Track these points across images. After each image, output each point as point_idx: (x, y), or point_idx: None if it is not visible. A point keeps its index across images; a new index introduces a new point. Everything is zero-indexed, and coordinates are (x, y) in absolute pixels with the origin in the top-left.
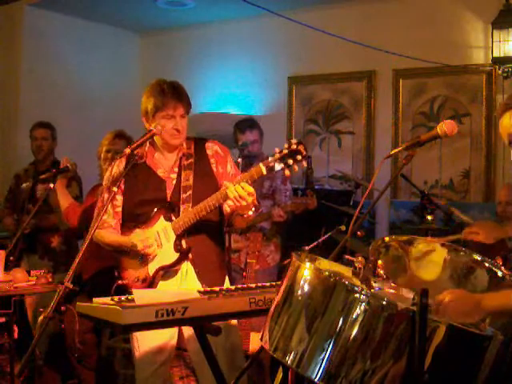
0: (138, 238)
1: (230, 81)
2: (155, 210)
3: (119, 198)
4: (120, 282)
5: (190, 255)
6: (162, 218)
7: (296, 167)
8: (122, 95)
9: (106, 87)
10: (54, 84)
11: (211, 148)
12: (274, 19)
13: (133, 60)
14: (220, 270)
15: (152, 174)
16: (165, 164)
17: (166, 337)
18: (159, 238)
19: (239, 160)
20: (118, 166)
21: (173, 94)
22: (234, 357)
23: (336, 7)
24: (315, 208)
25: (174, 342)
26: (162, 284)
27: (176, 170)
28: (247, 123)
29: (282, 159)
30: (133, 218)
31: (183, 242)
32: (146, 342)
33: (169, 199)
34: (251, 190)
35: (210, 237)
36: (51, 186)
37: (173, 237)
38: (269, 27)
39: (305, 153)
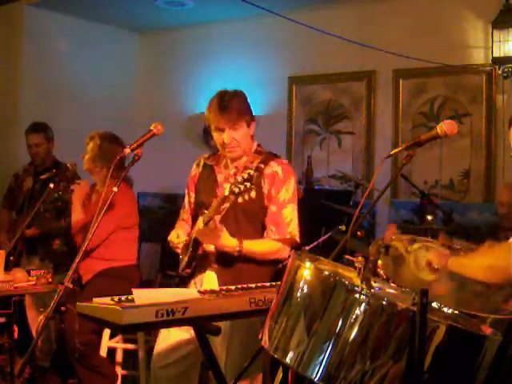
0: (173, 235)
1: (230, 81)
2: (199, 213)
3: (192, 196)
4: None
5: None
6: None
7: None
8: (121, 95)
9: (106, 87)
10: (54, 83)
11: (271, 167)
12: (274, 19)
13: (132, 60)
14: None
15: (213, 179)
16: (224, 172)
17: (185, 336)
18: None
19: None
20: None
21: (217, 105)
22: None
23: (336, 7)
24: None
25: (192, 344)
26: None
27: (231, 180)
28: None
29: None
30: (195, 216)
31: (190, 250)
32: (164, 337)
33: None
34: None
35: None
36: (51, 186)
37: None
38: (268, 27)
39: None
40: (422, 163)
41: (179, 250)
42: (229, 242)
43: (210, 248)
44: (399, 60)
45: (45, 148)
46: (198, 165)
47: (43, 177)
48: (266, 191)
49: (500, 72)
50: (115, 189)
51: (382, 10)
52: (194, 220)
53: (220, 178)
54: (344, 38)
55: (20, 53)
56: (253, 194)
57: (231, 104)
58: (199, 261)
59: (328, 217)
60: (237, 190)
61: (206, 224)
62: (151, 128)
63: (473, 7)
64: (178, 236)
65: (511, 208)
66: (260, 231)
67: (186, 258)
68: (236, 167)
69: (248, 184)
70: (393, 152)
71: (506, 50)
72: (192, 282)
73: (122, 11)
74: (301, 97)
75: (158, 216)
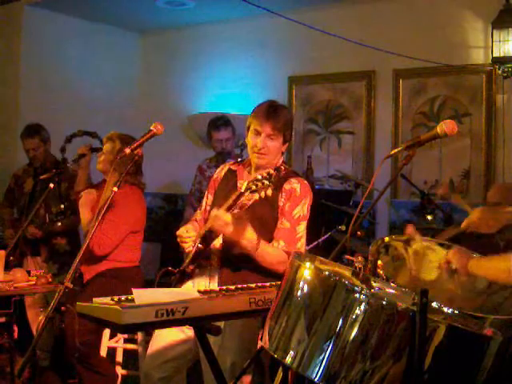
0: (183, 230)
1: (230, 81)
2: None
3: (210, 198)
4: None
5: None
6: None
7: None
8: (121, 95)
9: (106, 87)
10: (54, 84)
11: (291, 183)
12: (274, 19)
13: (132, 60)
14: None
15: (233, 182)
16: (246, 178)
17: (180, 336)
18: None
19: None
20: None
21: (266, 110)
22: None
23: (336, 7)
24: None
25: (188, 344)
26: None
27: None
28: (221, 121)
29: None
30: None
31: (198, 244)
32: (159, 336)
33: None
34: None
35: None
36: (51, 185)
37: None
38: (268, 27)
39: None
40: (422, 163)
41: (185, 245)
42: (250, 233)
43: (217, 246)
44: (399, 60)
45: (42, 150)
46: (222, 169)
47: (43, 177)
48: (281, 204)
49: (500, 72)
50: (115, 189)
51: (382, 10)
52: (206, 221)
53: (240, 183)
54: (344, 38)
55: (20, 53)
56: (269, 191)
57: (280, 114)
58: (202, 259)
59: (328, 217)
60: (254, 186)
61: (228, 210)
62: (151, 128)
63: (473, 7)
64: (187, 231)
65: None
66: (269, 240)
67: (191, 254)
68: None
69: (266, 182)
70: (393, 152)
71: (506, 49)
72: (189, 282)
73: (123, 11)
74: (301, 97)
75: (157, 216)
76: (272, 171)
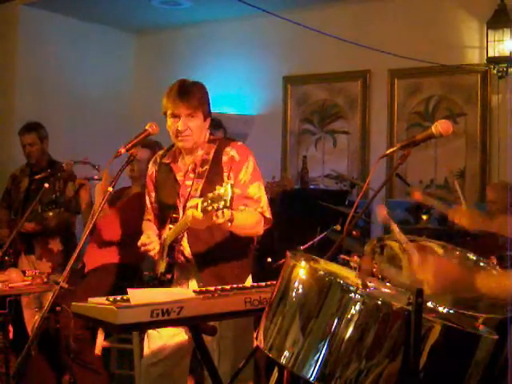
0: (144, 237)
1: (225, 81)
2: (169, 218)
3: (153, 195)
4: (147, 272)
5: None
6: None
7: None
8: (117, 95)
9: (102, 87)
10: (50, 84)
11: (228, 154)
12: (270, 19)
13: (128, 59)
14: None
15: (171, 178)
16: (183, 168)
17: (176, 330)
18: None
19: None
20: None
21: (177, 91)
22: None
23: (331, 7)
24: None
25: (186, 336)
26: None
27: (191, 175)
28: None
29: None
30: (160, 217)
31: (166, 252)
32: (155, 333)
33: (179, 206)
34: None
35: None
36: (46, 185)
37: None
38: (264, 27)
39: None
40: (417, 163)
41: (152, 253)
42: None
43: (188, 253)
44: (394, 60)
45: (38, 147)
46: (154, 162)
47: (38, 177)
48: (226, 177)
49: (495, 72)
50: (110, 189)
51: (377, 10)
52: (160, 220)
53: (179, 176)
54: (339, 38)
55: (16, 53)
56: (227, 214)
57: (192, 91)
58: (180, 268)
59: (323, 216)
60: (210, 208)
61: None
62: (147, 128)
63: (468, 7)
64: (149, 237)
65: (495, 206)
66: (231, 235)
67: (163, 264)
68: (193, 161)
69: (222, 203)
70: (388, 152)
71: (501, 49)
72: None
73: (118, 11)
74: (296, 96)
75: None
76: (222, 190)
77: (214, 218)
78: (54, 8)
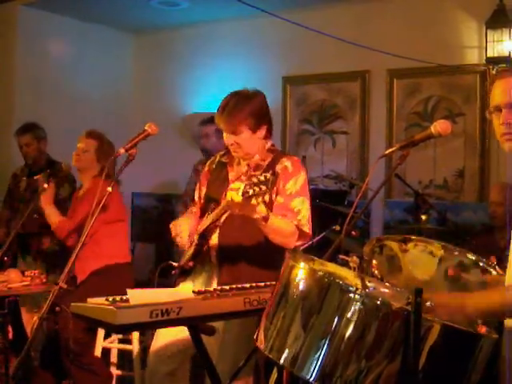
0: (177, 224)
1: (224, 81)
2: (209, 208)
3: (203, 190)
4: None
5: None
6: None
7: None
8: (116, 95)
9: (101, 87)
10: (49, 84)
11: (282, 163)
12: (269, 19)
13: (127, 60)
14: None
15: (223, 175)
16: (237, 169)
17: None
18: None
19: None
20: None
21: (220, 108)
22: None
23: (330, 7)
24: None
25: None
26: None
27: (243, 178)
28: (208, 118)
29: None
30: (203, 211)
31: (195, 241)
32: (161, 332)
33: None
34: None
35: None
36: (45, 185)
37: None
38: (263, 27)
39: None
40: (416, 163)
41: (179, 239)
42: (261, 207)
43: (214, 242)
44: (393, 60)
45: (34, 148)
46: (212, 161)
47: (36, 177)
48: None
49: (494, 72)
50: (110, 189)
51: (376, 10)
52: (203, 214)
53: (231, 175)
54: (338, 38)
55: (15, 53)
56: (266, 197)
57: (234, 107)
58: (201, 260)
59: (322, 217)
60: (251, 191)
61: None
62: (145, 128)
63: (466, 7)
64: (181, 225)
65: (499, 207)
66: (263, 241)
67: (190, 251)
68: (248, 165)
69: (263, 187)
70: (387, 152)
71: (500, 49)
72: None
73: (117, 11)
74: (295, 97)
75: (152, 216)
76: (269, 175)
77: (252, 202)
78: (53, 8)
